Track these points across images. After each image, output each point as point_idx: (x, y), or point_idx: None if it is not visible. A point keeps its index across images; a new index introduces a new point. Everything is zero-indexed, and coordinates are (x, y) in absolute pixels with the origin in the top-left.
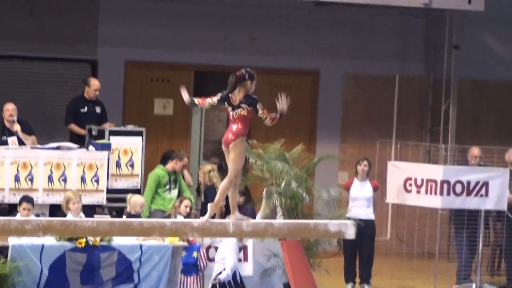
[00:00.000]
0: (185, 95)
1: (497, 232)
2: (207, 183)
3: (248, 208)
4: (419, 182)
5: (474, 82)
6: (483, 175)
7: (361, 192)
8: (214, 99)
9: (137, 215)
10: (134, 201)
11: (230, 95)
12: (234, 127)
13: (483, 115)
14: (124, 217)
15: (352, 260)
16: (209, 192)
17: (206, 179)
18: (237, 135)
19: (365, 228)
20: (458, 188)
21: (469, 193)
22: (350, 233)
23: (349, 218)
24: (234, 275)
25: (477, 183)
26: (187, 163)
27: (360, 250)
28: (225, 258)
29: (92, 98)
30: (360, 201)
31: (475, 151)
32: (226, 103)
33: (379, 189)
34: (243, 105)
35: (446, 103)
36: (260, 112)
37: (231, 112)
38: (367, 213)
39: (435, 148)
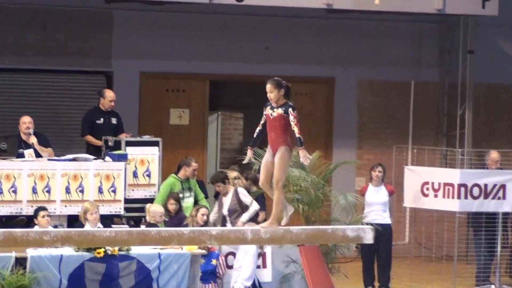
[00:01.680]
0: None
1: None
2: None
3: (180, 217)
4: (436, 186)
5: (489, 86)
6: (500, 178)
7: (376, 197)
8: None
9: (156, 225)
10: (154, 210)
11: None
12: None
13: (498, 119)
14: (143, 226)
15: (370, 265)
16: None
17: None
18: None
19: (382, 233)
20: (476, 191)
21: (486, 196)
22: (369, 237)
23: (366, 224)
24: (253, 282)
25: (494, 185)
26: (197, 167)
27: (378, 254)
28: (241, 266)
29: (107, 109)
30: (376, 206)
31: (494, 155)
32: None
33: (395, 193)
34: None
35: (461, 107)
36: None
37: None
38: (384, 218)
39: (451, 152)
